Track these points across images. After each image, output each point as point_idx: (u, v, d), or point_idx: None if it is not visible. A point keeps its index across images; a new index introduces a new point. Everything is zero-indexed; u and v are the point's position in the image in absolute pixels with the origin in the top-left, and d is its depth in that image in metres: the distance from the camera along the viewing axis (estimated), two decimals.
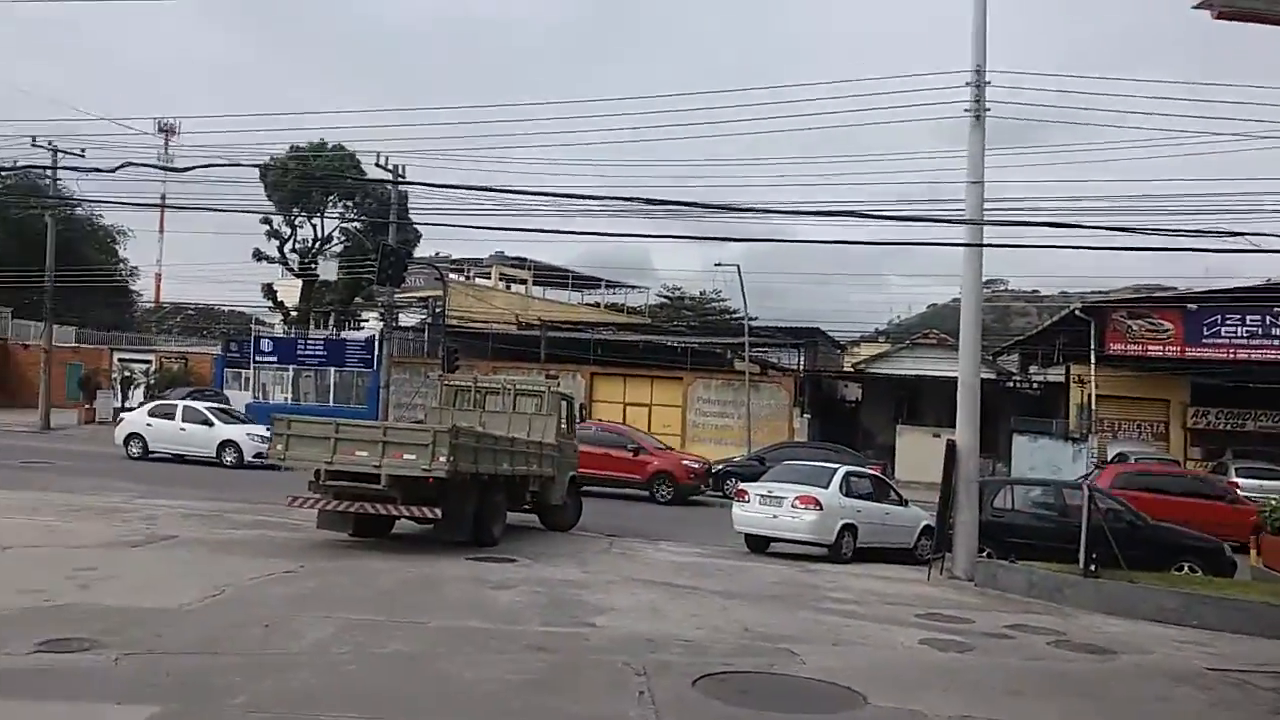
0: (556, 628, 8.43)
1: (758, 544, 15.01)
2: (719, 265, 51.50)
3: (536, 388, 16.03)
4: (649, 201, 13.99)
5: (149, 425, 24.45)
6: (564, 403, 16.05)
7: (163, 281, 66.68)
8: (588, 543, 14.56)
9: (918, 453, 28.87)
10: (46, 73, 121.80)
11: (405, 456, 11.69)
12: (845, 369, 43.84)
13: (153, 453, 24.04)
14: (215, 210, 28.85)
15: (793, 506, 14.38)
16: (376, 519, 12.45)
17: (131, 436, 24.41)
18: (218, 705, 5.64)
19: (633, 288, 58.51)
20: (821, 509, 14.34)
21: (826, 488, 14.69)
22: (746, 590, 11.29)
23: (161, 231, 66.15)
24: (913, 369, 36.32)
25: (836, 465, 16.16)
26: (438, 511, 12.07)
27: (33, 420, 33.18)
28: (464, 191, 19.68)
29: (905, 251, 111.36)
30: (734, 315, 54.71)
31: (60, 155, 31.80)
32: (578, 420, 16.76)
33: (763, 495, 14.73)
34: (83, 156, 30.38)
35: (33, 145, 32.12)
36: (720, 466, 25.43)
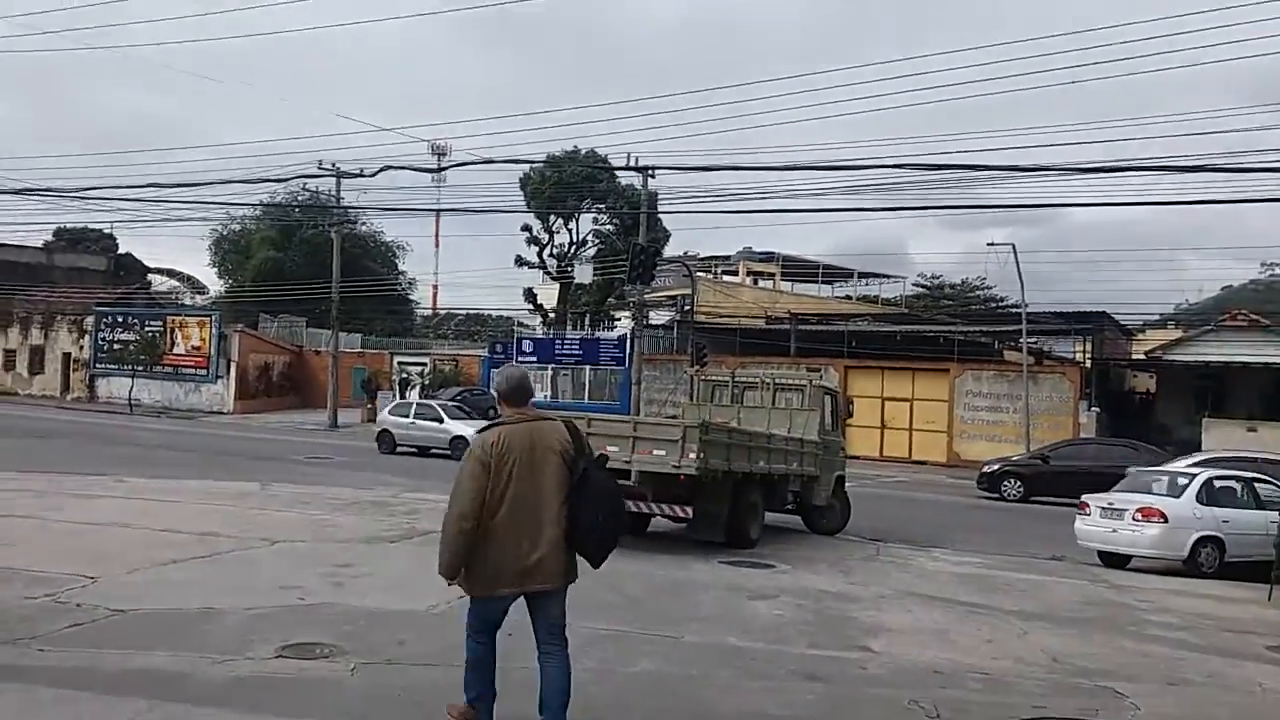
0: (826, 650, 7.34)
1: (1113, 561, 13.40)
2: (992, 245, 47.94)
3: (798, 381, 14.95)
4: (911, 168, 12.53)
5: (394, 422, 27.25)
6: (828, 397, 14.88)
7: (438, 290, 71.34)
8: (853, 548, 13.32)
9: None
10: (328, 99, 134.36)
11: (655, 452, 11.14)
12: (1134, 358, 39.37)
13: (399, 447, 26.35)
14: (478, 212, 29.97)
15: (1134, 520, 12.86)
16: (629, 516, 12.01)
17: (382, 434, 27.29)
18: None
19: (887, 277, 55.74)
20: (1166, 521, 12.59)
21: (1178, 497, 12.88)
22: (1046, 610, 9.65)
23: (437, 245, 70.88)
24: (1218, 354, 31.96)
25: (1197, 470, 14.45)
26: (689, 510, 11.52)
27: (321, 419, 36.11)
28: (711, 183, 18.96)
29: (1197, 229, 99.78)
30: (1000, 304, 50.76)
31: (340, 176, 34.40)
32: (844, 416, 15.54)
33: (1103, 507, 13.33)
34: (361, 175, 32.62)
35: (319, 168, 34.91)
36: (997, 466, 23.17)
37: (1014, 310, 35.77)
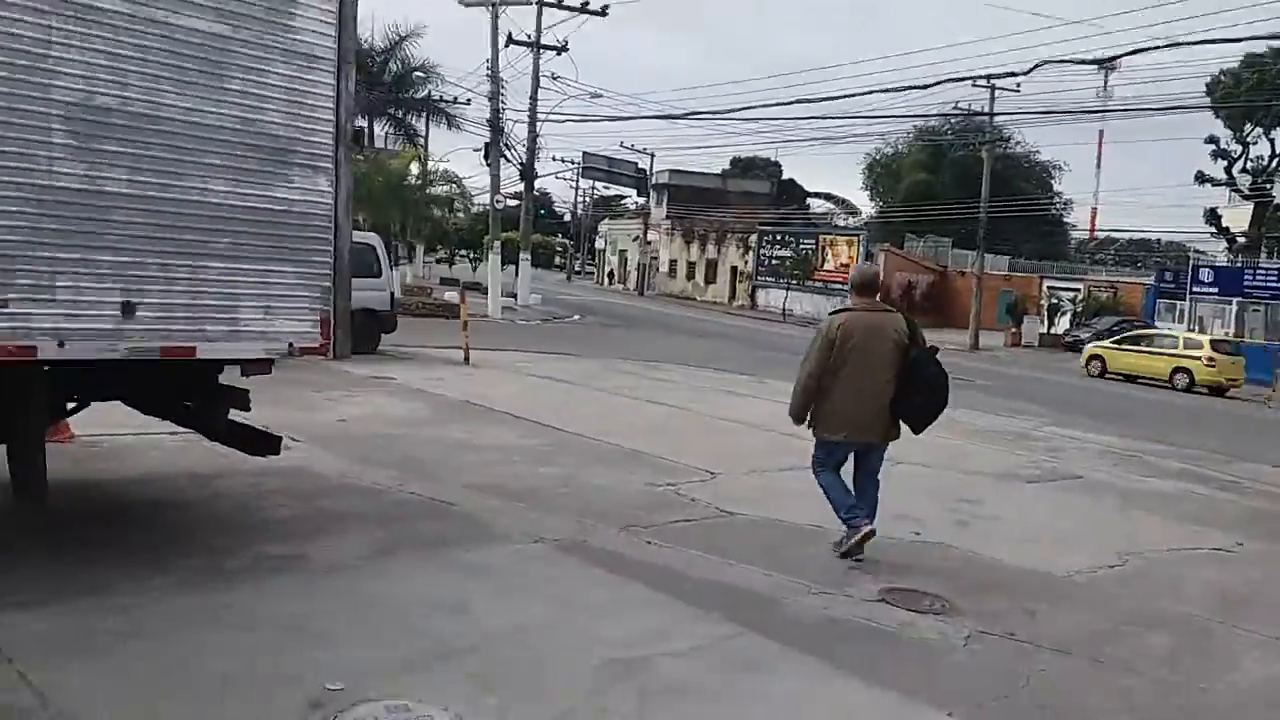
0: None
1: None
2: None
3: None
4: None
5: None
6: None
7: (1097, 213, 64.66)
8: None
9: None
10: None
11: None
12: None
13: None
14: (1155, 110, 25.63)
15: None
16: None
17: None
18: None
19: None
20: None
21: None
22: None
23: (1099, 164, 64.02)
24: None
25: None
26: None
27: (962, 340, 34.94)
28: None
29: None
30: None
31: (992, 85, 32.17)
32: None
33: None
34: (1014, 75, 30.06)
35: (973, 85, 33.18)
36: None
37: None
